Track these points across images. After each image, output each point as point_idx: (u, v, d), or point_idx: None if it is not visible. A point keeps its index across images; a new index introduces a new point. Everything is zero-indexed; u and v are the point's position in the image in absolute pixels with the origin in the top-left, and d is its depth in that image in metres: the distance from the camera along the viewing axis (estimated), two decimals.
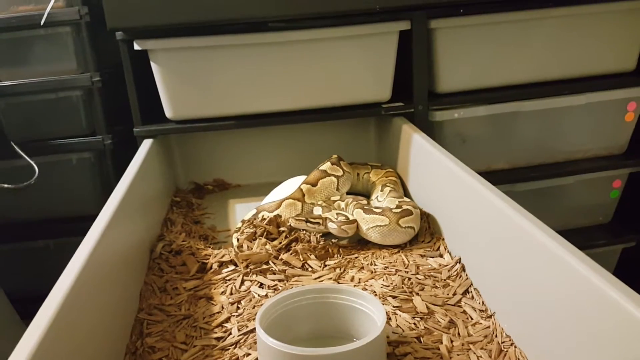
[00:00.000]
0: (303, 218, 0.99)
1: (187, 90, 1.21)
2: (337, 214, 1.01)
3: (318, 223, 0.99)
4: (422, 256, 0.94)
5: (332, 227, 0.98)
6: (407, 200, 1.05)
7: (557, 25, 1.28)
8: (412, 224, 0.97)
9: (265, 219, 1.02)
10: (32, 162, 1.36)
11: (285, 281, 0.87)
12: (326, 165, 1.15)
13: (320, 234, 1.00)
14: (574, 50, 1.31)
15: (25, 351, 0.48)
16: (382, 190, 1.12)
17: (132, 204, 0.92)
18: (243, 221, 1.06)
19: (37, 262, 1.47)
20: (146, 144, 1.20)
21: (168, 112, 1.24)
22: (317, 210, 1.06)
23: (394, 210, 0.97)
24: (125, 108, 1.26)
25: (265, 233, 0.99)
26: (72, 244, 0.72)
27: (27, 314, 1.34)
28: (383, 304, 0.77)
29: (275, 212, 1.05)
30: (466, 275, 0.86)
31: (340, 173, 1.14)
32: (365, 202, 1.08)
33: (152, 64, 1.19)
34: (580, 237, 1.44)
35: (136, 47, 1.16)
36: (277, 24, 1.18)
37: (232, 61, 1.20)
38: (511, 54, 1.30)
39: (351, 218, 0.99)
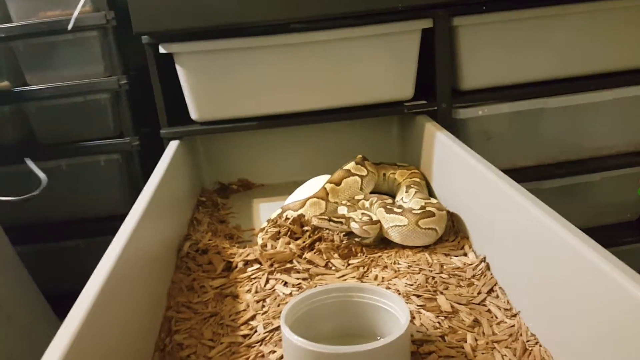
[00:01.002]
0: (326, 217, 0.99)
1: (211, 92, 1.23)
2: (361, 213, 1.01)
3: (341, 222, 0.99)
4: (447, 255, 0.93)
5: (354, 227, 0.99)
6: (434, 201, 1.04)
7: (581, 20, 1.26)
8: (434, 226, 0.96)
9: (289, 218, 1.03)
10: (40, 174, 1.38)
11: (309, 280, 0.88)
12: (350, 165, 1.15)
13: (344, 233, 1.00)
14: (599, 45, 1.29)
15: (60, 346, 0.49)
16: (407, 192, 1.11)
17: (160, 204, 0.93)
18: (269, 220, 1.07)
19: (68, 261, 1.51)
20: (172, 145, 1.22)
21: (193, 114, 1.26)
22: (342, 210, 1.06)
23: (414, 211, 0.96)
24: (152, 110, 1.28)
25: (289, 232, 1.00)
26: (101, 243, 0.74)
27: (61, 311, 1.37)
28: (407, 303, 0.78)
29: (300, 211, 1.06)
30: (491, 274, 0.86)
31: (364, 173, 1.15)
32: (390, 201, 1.08)
33: (177, 67, 1.21)
34: (607, 234, 1.41)
35: (161, 50, 1.18)
36: (299, 25, 1.19)
37: (255, 63, 1.21)
38: (535, 50, 1.28)
39: (375, 218, 0.99)
